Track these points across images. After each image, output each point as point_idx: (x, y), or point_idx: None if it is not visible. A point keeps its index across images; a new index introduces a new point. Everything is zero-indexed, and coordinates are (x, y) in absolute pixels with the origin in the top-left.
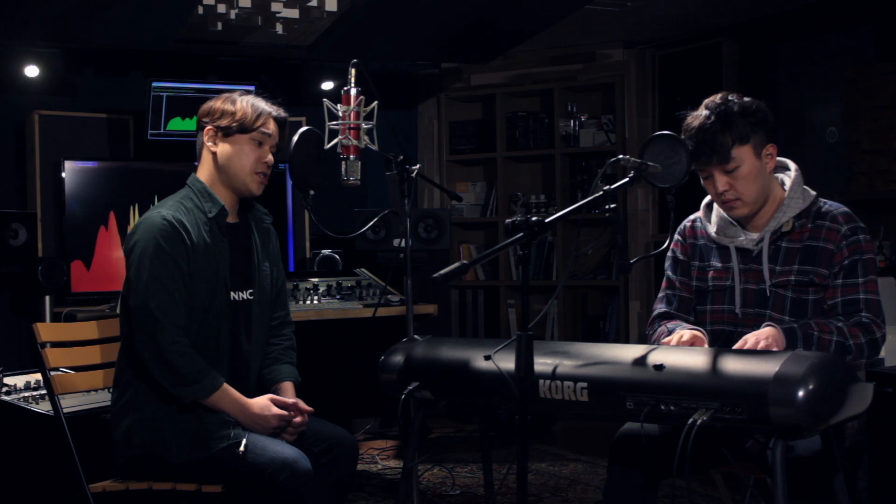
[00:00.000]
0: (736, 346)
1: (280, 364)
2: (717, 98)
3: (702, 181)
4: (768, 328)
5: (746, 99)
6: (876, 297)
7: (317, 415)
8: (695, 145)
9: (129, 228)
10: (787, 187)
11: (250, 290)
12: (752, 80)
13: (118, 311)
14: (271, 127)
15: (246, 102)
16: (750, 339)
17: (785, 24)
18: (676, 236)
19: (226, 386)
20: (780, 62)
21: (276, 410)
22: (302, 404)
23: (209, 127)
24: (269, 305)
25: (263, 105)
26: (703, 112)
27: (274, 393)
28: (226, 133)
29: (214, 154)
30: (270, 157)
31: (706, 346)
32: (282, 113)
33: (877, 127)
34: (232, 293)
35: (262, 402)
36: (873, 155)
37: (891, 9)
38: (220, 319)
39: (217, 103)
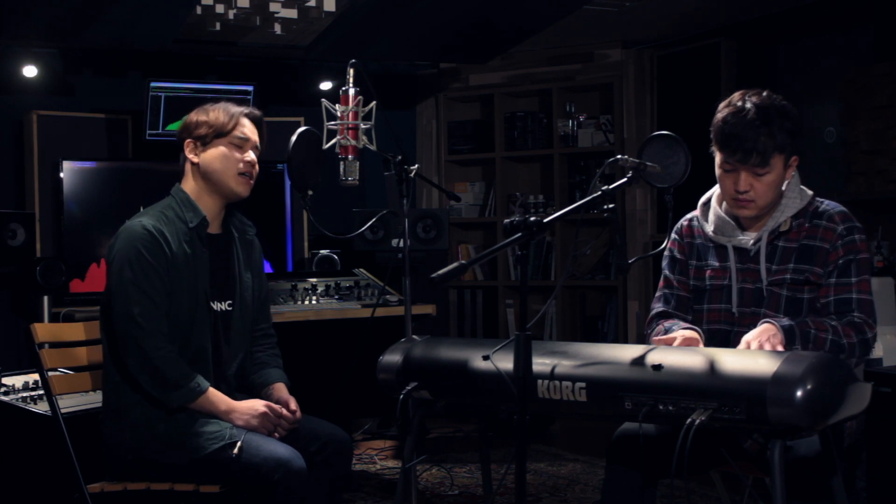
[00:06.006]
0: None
1: (270, 368)
2: (763, 96)
3: (718, 171)
4: (766, 325)
5: (785, 103)
6: (868, 297)
7: (315, 415)
8: (731, 137)
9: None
10: (784, 187)
11: (230, 301)
12: (750, 80)
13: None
14: (247, 126)
15: (218, 109)
16: (753, 343)
17: (784, 24)
18: (673, 235)
19: (212, 389)
20: (779, 62)
21: (264, 402)
22: (294, 405)
23: (188, 140)
24: (251, 317)
25: (235, 108)
26: (747, 105)
27: (267, 394)
28: (204, 142)
29: (197, 165)
30: (253, 157)
31: (702, 346)
32: (254, 111)
33: (875, 127)
34: (211, 304)
35: (250, 402)
36: (872, 155)
37: (890, 9)
38: (204, 329)
39: (191, 116)
